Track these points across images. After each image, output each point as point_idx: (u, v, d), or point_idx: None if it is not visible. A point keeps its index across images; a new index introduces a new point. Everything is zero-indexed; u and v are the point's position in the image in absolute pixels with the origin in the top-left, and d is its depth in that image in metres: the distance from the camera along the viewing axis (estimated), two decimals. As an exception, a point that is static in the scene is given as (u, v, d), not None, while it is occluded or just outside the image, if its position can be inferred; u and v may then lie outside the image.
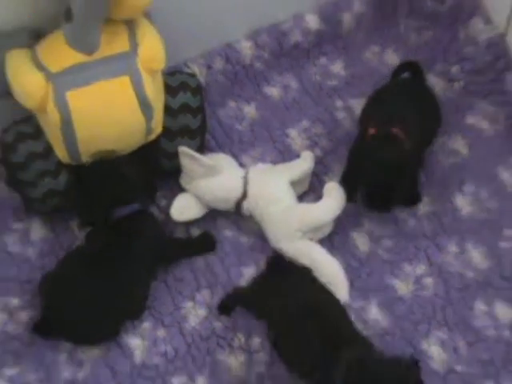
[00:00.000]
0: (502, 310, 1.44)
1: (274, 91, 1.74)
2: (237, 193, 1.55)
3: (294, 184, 1.57)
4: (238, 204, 1.55)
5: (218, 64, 1.72)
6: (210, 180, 1.54)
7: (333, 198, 1.50)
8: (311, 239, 1.52)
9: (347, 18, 1.77)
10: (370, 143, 1.45)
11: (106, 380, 1.42)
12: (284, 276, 1.42)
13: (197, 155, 1.52)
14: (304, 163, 1.59)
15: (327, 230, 1.53)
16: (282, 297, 1.37)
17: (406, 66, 1.69)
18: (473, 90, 1.72)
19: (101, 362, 1.41)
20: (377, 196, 1.51)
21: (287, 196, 1.55)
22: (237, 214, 1.57)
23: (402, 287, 1.46)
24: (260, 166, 1.63)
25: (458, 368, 1.38)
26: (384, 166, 1.44)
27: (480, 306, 1.43)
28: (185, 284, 1.49)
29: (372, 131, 1.47)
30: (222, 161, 1.61)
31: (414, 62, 1.69)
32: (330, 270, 1.48)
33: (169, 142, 1.56)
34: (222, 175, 1.55)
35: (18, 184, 1.54)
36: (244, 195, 1.55)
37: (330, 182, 1.54)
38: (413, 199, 1.57)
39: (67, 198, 1.58)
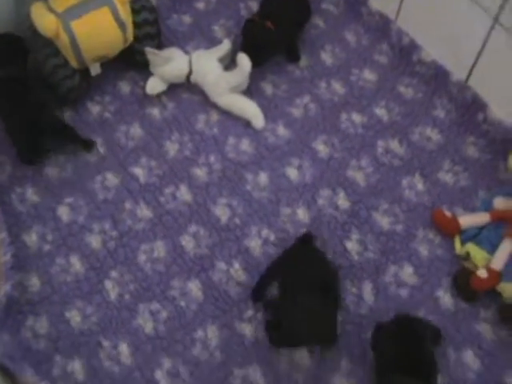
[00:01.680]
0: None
1: (200, 5, 2.29)
2: (185, 71, 2.05)
3: (221, 60, 2.07)
4: (188, 78, 2.06)
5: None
6: (168, 65, 2.04)
7: (244, 65, 1.98)
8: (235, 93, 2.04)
9: None
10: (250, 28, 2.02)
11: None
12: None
13: (156, 51, 2.02)
14: (225, 46, 2.10)
15: (244, 86, 2.05)
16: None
17: None
18: None
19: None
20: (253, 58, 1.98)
21: (217, 68, 2.05)
22: (188, 84, 2.09)
23: (296, 112, 2.07)
24: (198, 51, 2.11)
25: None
26: (256, 42, 2.01)
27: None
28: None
29: (255, 19, 2.04)
30: (173, 52, 2.07)
31: None
32: (251, 109, 2.03)
33: (139, 45, 2.04)
34: (175, 61, 2.04)
35: (49, 87, 2.02)
36: (190, 71, 2.05)
37: (239, 54, 1.99)
38: (295, 58, 2.15)
39: (80, 91, 2.06)
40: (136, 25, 2.03)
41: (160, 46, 2.11)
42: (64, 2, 1.90)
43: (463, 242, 1.82)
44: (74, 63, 1.98)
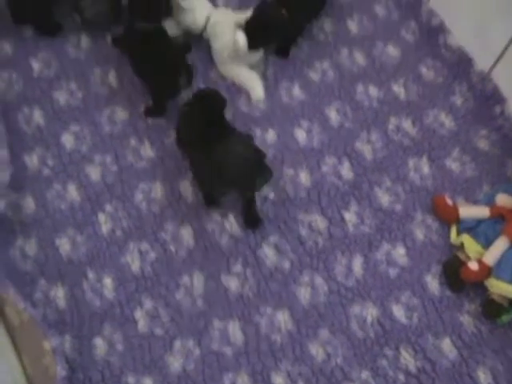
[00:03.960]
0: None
1: None
2: (201, 26, 2.05)
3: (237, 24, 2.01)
4: (201, 33, 2.07)
5: None
6: (186, 15, 2.04)
7: (239, 44, 1.92)
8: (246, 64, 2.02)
9: None
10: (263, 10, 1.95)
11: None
12: None
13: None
14: (245, 15, 2.00)
15: (255, 59, 2.02)
16: None
17: None
18: None
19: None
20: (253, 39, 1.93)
21: (229, 34, 1.99)
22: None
23: (314, 75, 2.05)
24: (220, 10, 2.10)
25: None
26: (265, 25, 1.93)
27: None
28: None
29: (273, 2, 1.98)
30: (197, 2, 2.05)
31: None
32: (250, 82, 2.01)
33: None
34: (193, 14, 2.03)
35: (79, 8, 2.03)
36: (204, 28, 2.06)
37: (238, 31, 1.93)
38: (284, 54, 2.09)
39: (108, 18, 2.06)
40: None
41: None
42: None
43: (459, 232, 1.82)
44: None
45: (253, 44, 1.94)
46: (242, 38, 1.90)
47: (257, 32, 1.93)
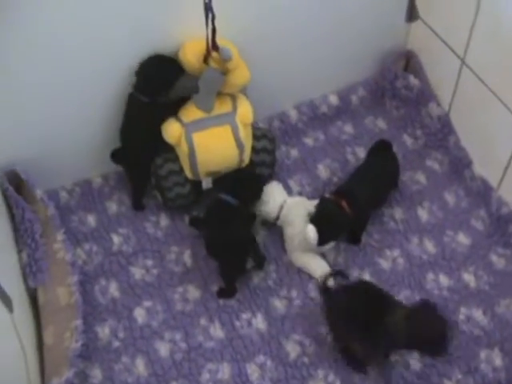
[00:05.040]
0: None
1: (309, 141, 2.40)
2: (274, 215, 2.09)
3: (310, 215, 2.01)
4: (275, 221, 2.11)
5: (276, 123, 2.37)
6: (261, 206, 2.09)
7: (310, 239, 1.93)
8: (318, 252, 2.04)
9: (354, 98, 2.48)
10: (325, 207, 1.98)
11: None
12: None
13: None
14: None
15: (326, 248, 2.04)
16: None
17: (379, 144, 2.21)
18: (430, 145, 2.36)
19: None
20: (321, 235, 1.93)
21: (299, 224, 2.02)
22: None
23: (384, 263, 2.07)
24: (294, 199, 2.13)
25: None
26: (328, 223, 1.95)
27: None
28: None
29: (332, 197, 2.01)
30: (271, 192, 2.10)
31: (384, 140, 2.22)
32: (320, 269, 2.02)
33: (252, 169, 2.11)
34: (267, 205, 2.08)
35: (160, 189, 2.11)
36: (278, 217, 2.10)
37: (309, 225, 1.93)
38: (356, 241, 2.11)
39: (188, 200, 2.13)
40: (254, 150, 2.12)
41: (272, 175, 2.22)
42: (191, 114, 2.02)
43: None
44: (188, 173, 2.07)
45: (322, 240, 1.96)
46: (312, 233, 1.93)
47: (323, 229, 1.95)
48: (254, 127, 2.15)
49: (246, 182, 2.05)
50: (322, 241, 1.95)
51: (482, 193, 2.21)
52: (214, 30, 1.86)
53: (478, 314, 1.98)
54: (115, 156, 2.10)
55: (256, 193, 2.07)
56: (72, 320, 1.87)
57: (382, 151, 2.19)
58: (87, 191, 2.24)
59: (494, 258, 2.10)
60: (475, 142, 2.24)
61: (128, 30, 1.92)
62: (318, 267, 2.03)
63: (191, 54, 1.96)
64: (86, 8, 1.81)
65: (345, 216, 1.99)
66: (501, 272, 2.07)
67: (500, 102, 2.03)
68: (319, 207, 2.00)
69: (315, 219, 1.96)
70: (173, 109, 2.04)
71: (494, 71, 2.04)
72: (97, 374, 1.87)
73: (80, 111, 2.04)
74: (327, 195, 2.06)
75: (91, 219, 2.18)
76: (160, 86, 1.98)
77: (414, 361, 1.88)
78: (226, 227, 1.96)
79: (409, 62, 2.44)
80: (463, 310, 1.99)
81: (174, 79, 1.96)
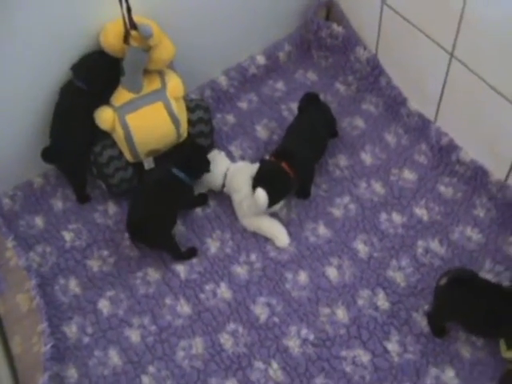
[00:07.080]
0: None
1: (243, 105, 2.41)
2: (219, 184, 2.10)
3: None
4: (222, 189, 2.11)
5: (208, 92, 2.36)
6: (208, 176, 2.09)
7: (260, 201, 1.92)
8: (266, 213, 2.04)
9: (281, 55, 2.48)
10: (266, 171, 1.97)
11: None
12: None
13: None
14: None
15: (276, 208, 2.04)
16: None
17: (306, 98, 2.20)
18: (363, 89, 2.39)
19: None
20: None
21: (245, 187, 2.02)
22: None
23: (337, 212, 2.09)
24: (236, 165, 2.13)
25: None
26: (272, 186, 1.93)
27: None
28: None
29: (272, 159, 2.00)
30: (214, 160, 2.09)
31: (310, 92, 2.23)
32: (274, 228, 2.04)
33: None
34: (211, 175, 2.08)
35: (102, 176, 2.07)
36: (223, 185, 2.10)
37: (258, 189, 1.92)
38: (304, 195, 2.13)
39: (132, 183, 2.09)
40: (190, 122, 2.11)
41: (212, 145, 2.21)
42: (121, 97, 2.00)
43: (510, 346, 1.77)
44: (128, 156, 2.05)
45: (270, 201, 1.95)
46: (262, 196, 1.92)
47: (269, 191, 1.93)
48: (187, 99, 2.13)
49: (192, 156, 2.04)
50: (270, 203, 1.95)
51: (421, 127, 2.25)
52: (128, 9, 1.83)
53: (434, 245, 2.02)
54: (46, 155, 2.04)
55: (206, 166, 2.06)
56: (37, 325, 1.85)
57: (310, 104, 2.18)
58: (29, 193, 2.20)
59: (441, 188, 2.14)
60: (407, 79, 2.26)
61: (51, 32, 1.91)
62: (272, 228, 2.04)
63: (112, 36, 1.94)
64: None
65: (287, 177, 1.99)
66: (450, 200, 2.11)
67: (424, 36, 2.05)
68: (260, 170, 1.99)
69: (259, 182, 1.95)
70: (107, 98, 2.02)
71: (415, 6, 2.05)
72: (72, 373, 1.85)
73: (5, 112, 2.00)
74: (266, 157, 2.05)
75: (39, 220, 2.15)
76: (99, 72, 1.98)
77: (382, 301, 1.92)
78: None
79: (330, 10, 2.45)
80: (420, 243, 2.03)
81: (113, 67, 1.98)
